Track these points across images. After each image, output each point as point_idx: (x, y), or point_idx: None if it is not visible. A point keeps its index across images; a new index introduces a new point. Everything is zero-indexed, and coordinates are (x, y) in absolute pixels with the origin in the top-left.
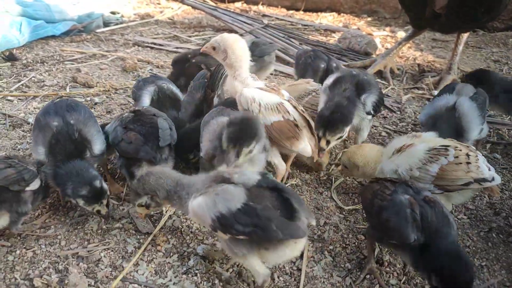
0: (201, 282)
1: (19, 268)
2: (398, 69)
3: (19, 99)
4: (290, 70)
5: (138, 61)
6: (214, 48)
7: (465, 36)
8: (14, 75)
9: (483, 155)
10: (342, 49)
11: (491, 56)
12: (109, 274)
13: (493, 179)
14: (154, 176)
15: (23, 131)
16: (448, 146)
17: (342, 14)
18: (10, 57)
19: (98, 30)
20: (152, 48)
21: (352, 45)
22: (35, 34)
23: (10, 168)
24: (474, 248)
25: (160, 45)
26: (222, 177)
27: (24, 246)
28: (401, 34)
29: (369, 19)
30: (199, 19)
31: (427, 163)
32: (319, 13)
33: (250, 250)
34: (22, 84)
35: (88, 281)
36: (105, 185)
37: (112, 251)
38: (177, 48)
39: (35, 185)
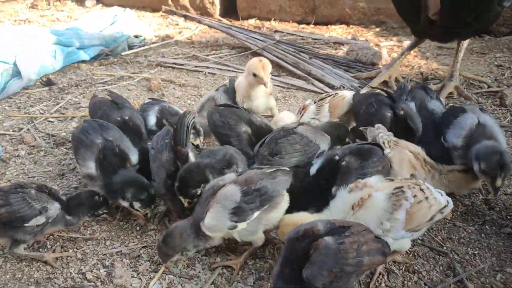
0: (224, 273)
1: (73, 265)
2: (403, 77)
3: (59, 120)
4: (301, 83)
5: (162, 81)
6: None
7: (465, 43)
8: (53, 99)
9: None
10: (350, 61)
11: (494, 61)
12: (148, 267)
13: (447, 203)
14: (177, 234)
15: (65, 148)
16: (402, 187)
17: (351, 26)
18: (48, 82)
19: (123, 53)
20: (173, 68)
21: (359, 57)
22: (67, 60)
23: (4, 207)
24: (468, 238)
25: (181, 64)
26: (214, 188)
27: (75, 247)
28: (408, 43)
29: (377, 29)
30: (216, 38)
31: (393, 211)
32: (329, 26)
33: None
34: (60, 106)
35: (131, 273)
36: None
37: (149, 248)
38: (196, 67)
39: (35, 222)
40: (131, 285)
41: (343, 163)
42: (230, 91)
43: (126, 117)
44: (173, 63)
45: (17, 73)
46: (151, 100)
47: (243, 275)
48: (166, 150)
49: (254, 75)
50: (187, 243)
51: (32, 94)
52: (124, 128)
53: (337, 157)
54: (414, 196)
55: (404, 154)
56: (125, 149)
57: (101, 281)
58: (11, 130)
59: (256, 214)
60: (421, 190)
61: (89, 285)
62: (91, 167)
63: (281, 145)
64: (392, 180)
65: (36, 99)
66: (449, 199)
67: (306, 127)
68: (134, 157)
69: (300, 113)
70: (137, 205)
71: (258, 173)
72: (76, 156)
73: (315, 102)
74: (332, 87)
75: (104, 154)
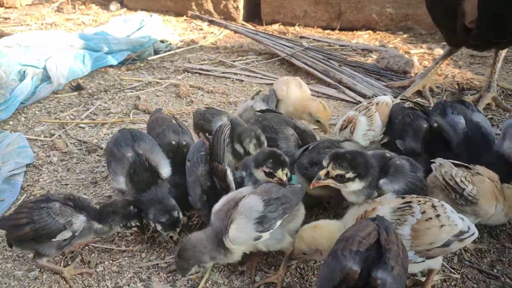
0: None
1: (109, 278)
2: (437, 87)
3: (90, 126)
4: (331, 91)
5: (190, 87)
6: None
7: (503, 53)
8: (82, 104)
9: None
10: (381, 69)
11: None
12: (186, 282)
13: (468, 229)
14: (190, 246)
15: (97, 155)
16: (410, 202)
17: (377, 32)
18: (77, 87)
19: (149, 58)
20: (200, 74)
21: (390, 65)
22: (96, 65)
23: (29, 225)
24: None
25: (208, 70)
26: (235, 200)
27: (111, 258)
28: (439, 50)
29: (405, 36)
30: (240, 43)
31: (397, 226)
32: (354, 32)
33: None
34: (90, 112)
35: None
36: (181, 216)
37: None
38: (223, 73)
39: (62, 236)
40: None
41: (397, 161)
42: (270, 100)
43: (184, 142)
44: (199, 69)
45: (46, 78)
46: (209, 108)
47: None
48: (202, 163)
49: (317, 121)
50: (201, 254)
51: (61, 99)
52: (177, 153)
53: (388, 155)
54: (423, 212)
55: (489, 186)
56: (156, 162)
57: None
58: (42, 136)
59: (279, 222)
60: (433, 206)
61: None
62: (121, 182)
63: (323, 156)
64: (404, 197)
65: (66, 104)
66: (473, 227)
67: (353, 144)
68: (165, 170)
69: (345, 127)
70: (158, 227)
71: (274, 184)
72: (108, 169)
73: (359, 112)
74: (364, 96)
75: (135, 169)
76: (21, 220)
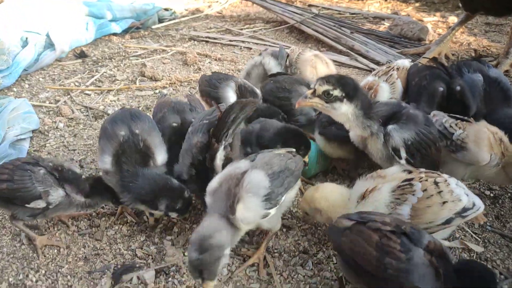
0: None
1: (121, 241)
2: (453, 54)
3: (96, 93)
4: (343, 58)
5: (198, 55)
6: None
7: None
8: (87, 71)
9: None
10: (394, 36)
11: None
12: None
13: (473, 205)
14: (209, 251)
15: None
16: (412, 179)
17: (388, 0)
18: (81, 55)
19: (153, 26)
20: (207, 42)
21: (404, 32)
22: (99, 32)
23: (6, 182)
24: None
25: (215, 38)
26: (235, 177)
27: (119, 222)
28: (453, 19)
29: (417, 4)
30: (247, 12)
31: (396, 206)
32: (364, 1)
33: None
34: (95, 79)
35: (183, 251)
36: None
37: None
38: (230, 41)
39: (35, 205)
40: (184, 264)
41: (411, 110)
42: (280, 57)
43: (193, 120)
44: (206, 37)
45: (50, 45)
46: (215, 73)
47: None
48: (200, 133)
49: None
50: (223, 245)
51: (65, 66)
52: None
53: (403, 104)
54: (424, 190)
55: (483, 133)
56: (151, 146)
57: (152, 258)
58: (47, 102)
59: (284, 197)
60: (435, 183)
61: (140, 263)
62: (107, 162)
63: None
64: (411, 172)
65: (70, 71)
66: (479, 201)
67: None
68: (160, 157)
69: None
70: (173, 214)
71: (272, 155)
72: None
73: (379, 78)
74: (377, 63)
75: (124, 149)
76: (2, 175)
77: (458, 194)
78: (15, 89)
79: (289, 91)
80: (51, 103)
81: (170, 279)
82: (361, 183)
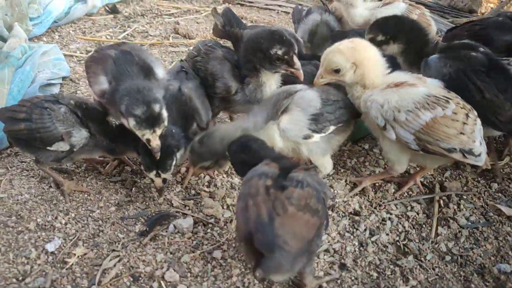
0: None
1: (155, 190)
2: None
3: None
4: None
5: None
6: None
7: None
8: (119, 26)
9: None
10: (444, 7)
11: None
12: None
13: (479, 155)
14: (218, 138)
15: None
16: (450, 99)
17: None
18: (113, 10)
19: None
20: (242, 5)
21: (454, 3)
22: None
23: (24, 122)
24: None
25: (250, 2)
26: (288, 92)
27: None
28: None
29: None
30: None
31: (421, 108)
32: None
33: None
34: (127, 34)
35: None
36: (165, 114)
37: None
38: (267, 5)
39: (57, 147)
40: (223, 216)
41: None
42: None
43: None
44: (242, 0)
45: None
46: None
47: None
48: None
49: None
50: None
51: (96, 20)
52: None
53: None
54: (455, 113)
55: None
56: (149, 62)
57: (189, 208)
58: (78, 52)
59: (332, 128)
60: (466, 115)
61: (176, 211)
62: (103, 81)
63: None
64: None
65: (101, 26)
66: (484, 155)
67: None
68: (159, 70)
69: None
70: (131, 122)
71: (331, 87)
72: (87, 77)
73: None
74: None
75: (119, 65)
76: (20, 114)
77: (475, 136)
78: (45, 39)
79: None
80: (82, 53)
81: (209, 230)
82: (401, 73)
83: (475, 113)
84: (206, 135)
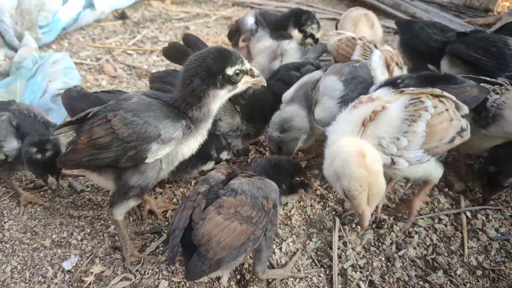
0: None
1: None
2: None
3: (138, 53)
4: None
5: None
6: None
7: None
8: (128, 32)
9: None
10: (459, 6)
11: None
12: None
13: (467, 126)
14: (294, 116)
15: (148, 81)
16: (419, 97)
17: None
18: (122, 16)
19: None
20: (252, 7)
21: (470, 2)
22: None
23: None
24: None
25: (260, 4)
26: (311, 82)
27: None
28: None
29: None
30: None
31: (412, 123)
32: None
33: None
34: (137, 40)
35: None
36: None
37: None
38: (276, 7)
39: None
40: None
41: None
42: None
43: None
44: (251, 2)
45: (89, 4)
46: None
47: None
48: None
49: None
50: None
51: (105, 27)
52: None
53: None
54: (435, 106)
55: None
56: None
57: None
58: (88, 60)
59: None
60: (441, 101)
61: None
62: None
63: None
64: (402, 91)
65: (110, 32)
66: (468, 125)
67: None
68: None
69: None
70: None
71: (344, 65)
72: None
73: None
74: None
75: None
76: None
77: (457, 113)
78: (54, 47)
79: None
80: (92, 60)
81: None
82: (350, 112)
83: (438, 90)
84: (283, 121)
